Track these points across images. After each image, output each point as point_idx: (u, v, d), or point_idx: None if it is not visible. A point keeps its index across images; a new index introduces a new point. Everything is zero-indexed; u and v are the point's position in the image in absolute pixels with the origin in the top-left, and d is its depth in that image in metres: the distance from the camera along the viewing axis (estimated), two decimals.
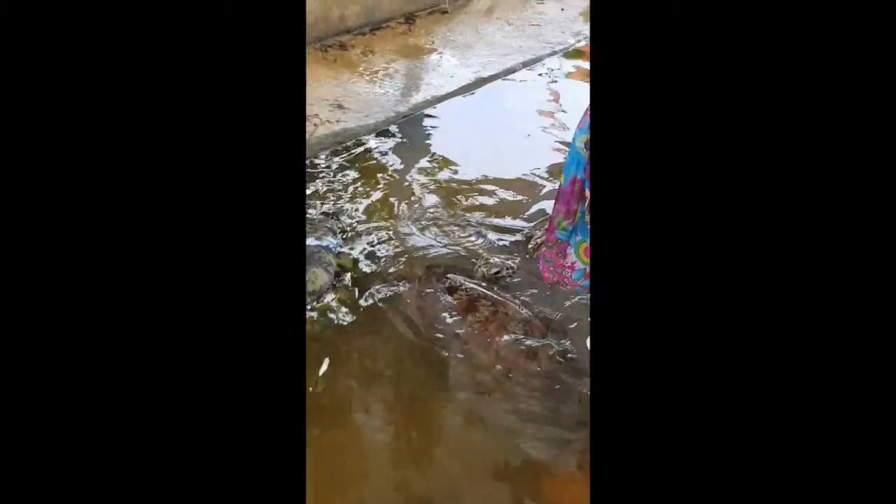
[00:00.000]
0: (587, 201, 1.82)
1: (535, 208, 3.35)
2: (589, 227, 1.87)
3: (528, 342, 2.48)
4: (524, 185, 3.58)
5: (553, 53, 5.41)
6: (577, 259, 2.00)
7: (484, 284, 2.72)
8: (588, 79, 5.45)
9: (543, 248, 2.08)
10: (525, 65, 5.14)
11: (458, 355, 2.43)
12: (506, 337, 2.49)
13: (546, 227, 2.07)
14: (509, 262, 2.87)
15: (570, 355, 2.44)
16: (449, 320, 2.56)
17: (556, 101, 4.76)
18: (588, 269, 1.97)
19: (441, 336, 2.50)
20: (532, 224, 3.20)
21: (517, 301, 2.65)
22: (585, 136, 1.78)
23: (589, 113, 1.77)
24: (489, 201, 3.37)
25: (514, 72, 5.05)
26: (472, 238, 3.04)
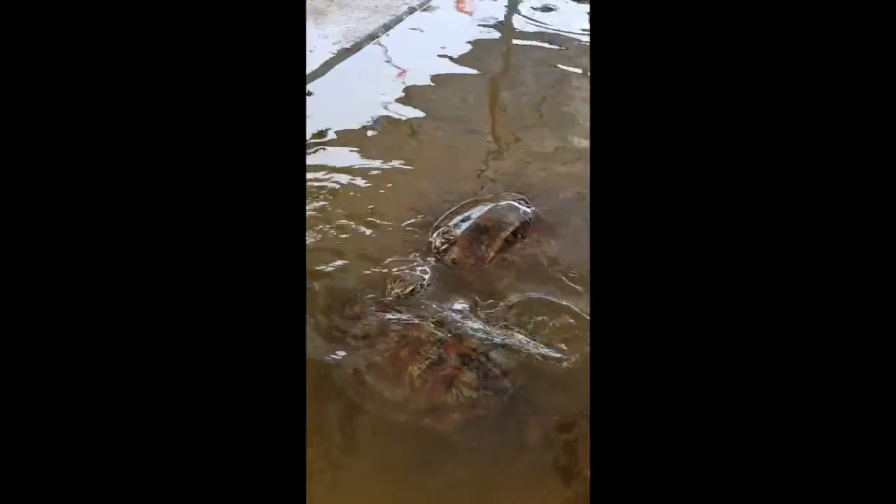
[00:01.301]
0: None
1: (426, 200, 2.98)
2: None
3: (443, 368, 2.14)
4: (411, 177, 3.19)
5: (412, 11, 5.02)
6: None
7: (400, 308, 2.37)
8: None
9: None
10: (387, 28, 4.72)
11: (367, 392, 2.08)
12: (418, 365, 2.14)
13: None
14: (418, 271, 2.52)
15: (494, 374, 2.13)
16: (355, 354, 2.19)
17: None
18: None
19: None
20: (438, 219, 2.84)
21: (431, 320, 2.31)
22: None
23: None
24: (368, 203, 2.95)
25: (376, 37, 4.63)
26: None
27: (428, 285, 2.49)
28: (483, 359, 2.16)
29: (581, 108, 3.93)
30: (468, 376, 2.12)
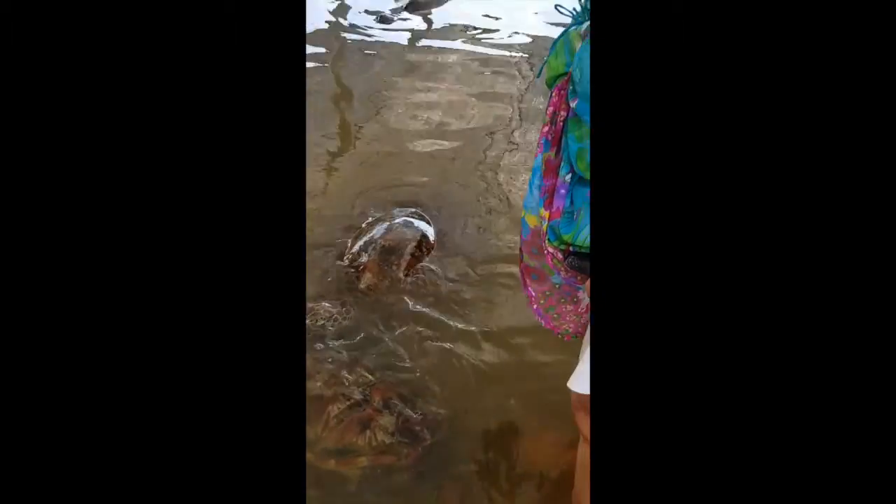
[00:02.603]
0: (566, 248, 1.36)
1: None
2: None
3: (363, 410, 2.02)
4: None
5: None
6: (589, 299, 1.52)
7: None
8: None
9: (535, 305, 1.61)
10: None
11: None
12: (338, 405, 2.01)
13: (524, 278, 1.59)
14: (327, 305, 2.37)
15: (413, 422, 2.03)
16: None
17: None
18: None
19: None
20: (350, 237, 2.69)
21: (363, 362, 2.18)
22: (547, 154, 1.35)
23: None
24: None
25: None
26: None
27: (341, 318, 2.37)
28: (407, 405, 2.06)
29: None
30: (386, 420, 2.01)
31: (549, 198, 1.34)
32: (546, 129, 1.36)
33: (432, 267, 2.68)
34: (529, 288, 1.59)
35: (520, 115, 3.83)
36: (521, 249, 1.54)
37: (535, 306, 1.61)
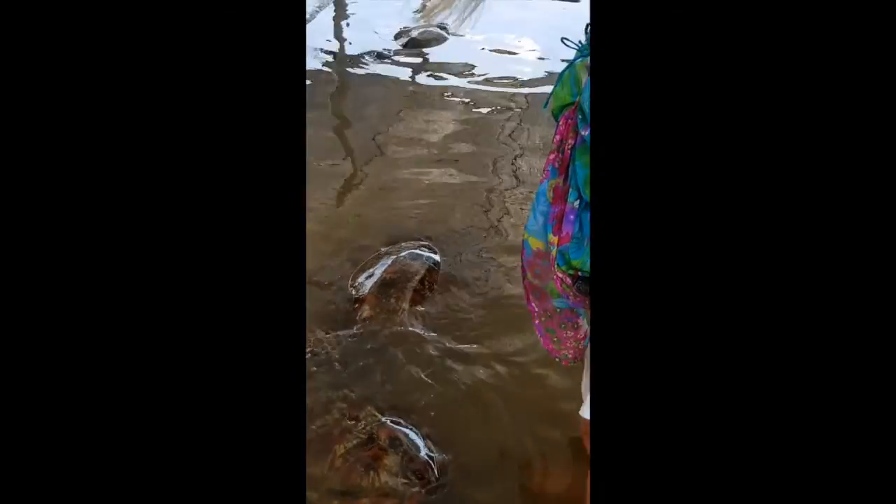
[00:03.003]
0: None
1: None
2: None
3: (369, 448, 1.98)
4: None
5: None
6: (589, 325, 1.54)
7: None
8: None
9: (536, 321, 1.62)
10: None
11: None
12: (345, 444, 1.97)
13: (528, 294, 1.59)
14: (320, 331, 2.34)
15: (419, 463, 1.97)
16: None
17: None
18: None
19: None
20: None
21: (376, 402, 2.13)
22: (554, 181, 1.38)
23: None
24: None
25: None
26: None
27: (329, 348, 2.35)
28: (414, 444, 2.01)
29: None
30: (391, 460, 1.96)
31: (557, 224, 1.36)
32: (553, 156, 1.38)
33: (450, 299, 2.66)
34: (532, 304, 1.60)
35: (520, 146, 3.83)
36: (523, 269, 1.56)
37: (536, 322, 1.62)
